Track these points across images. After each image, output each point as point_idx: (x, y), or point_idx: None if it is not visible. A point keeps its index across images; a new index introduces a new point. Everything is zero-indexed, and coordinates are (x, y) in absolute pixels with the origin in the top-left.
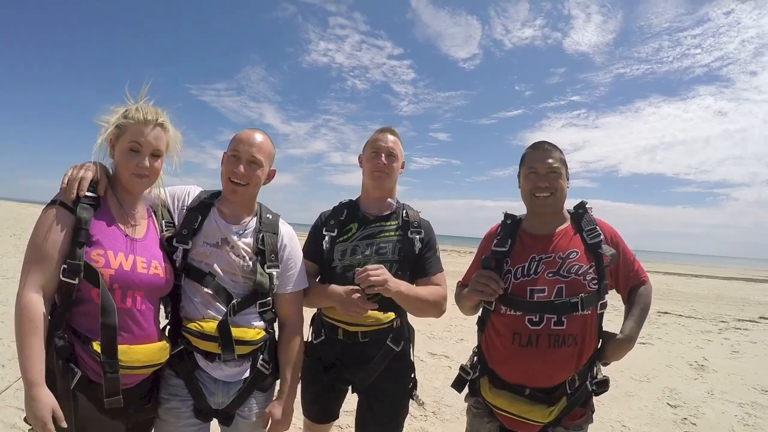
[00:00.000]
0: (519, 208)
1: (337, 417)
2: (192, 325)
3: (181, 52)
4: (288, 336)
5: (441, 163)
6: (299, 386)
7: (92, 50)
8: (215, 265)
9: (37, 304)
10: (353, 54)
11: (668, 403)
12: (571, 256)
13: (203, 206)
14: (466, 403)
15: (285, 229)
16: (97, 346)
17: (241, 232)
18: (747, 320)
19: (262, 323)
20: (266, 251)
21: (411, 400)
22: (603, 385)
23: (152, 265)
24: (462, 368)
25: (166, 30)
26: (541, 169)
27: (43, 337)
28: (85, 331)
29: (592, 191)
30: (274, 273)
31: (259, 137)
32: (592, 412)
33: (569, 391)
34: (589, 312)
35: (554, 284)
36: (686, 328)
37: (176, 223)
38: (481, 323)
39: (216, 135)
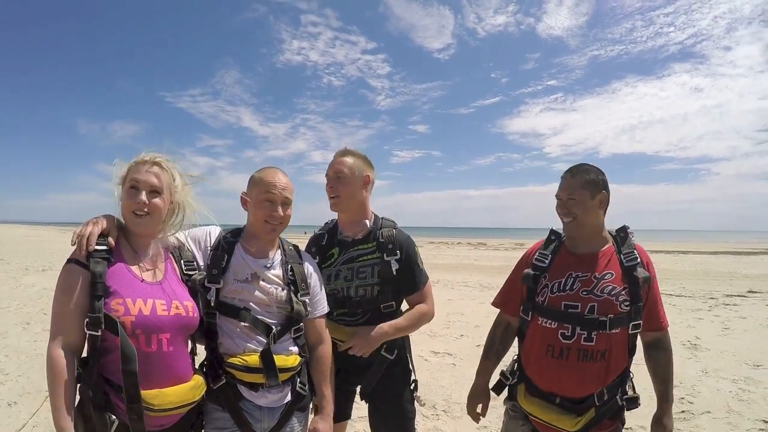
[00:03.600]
0: (503, 195)
1: (349, 417)
2: (235, 360)
3: (153, 59)
4: (320, 356)
5: (422, 155)
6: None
7: (62, 68)
8: (249, 299)
9: (63, 359)
10: (327, 51)
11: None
12: (606, 277)
13: (228, 245)
14: (504, 406)
15: (308, 258)
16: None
17: (269, 265)
18: (736, 295)
19: (296, 348)
20: (297, 281)
21: (416, 399)
22: (633, 402)
23: (173, 306)
24: (502, 373)
25: (136, 39)
26: (562, 195)
27: (71, 387)
28: (115, 378)
29: None
30: (307, 300)
31: (284, 178)
32: (622, 424)
33: (597, 404)
34: (619, 331)
35: (587, 302)
36: (677, 307)
37: (201, 264)
38: (521, 333)
39: (195, 141)
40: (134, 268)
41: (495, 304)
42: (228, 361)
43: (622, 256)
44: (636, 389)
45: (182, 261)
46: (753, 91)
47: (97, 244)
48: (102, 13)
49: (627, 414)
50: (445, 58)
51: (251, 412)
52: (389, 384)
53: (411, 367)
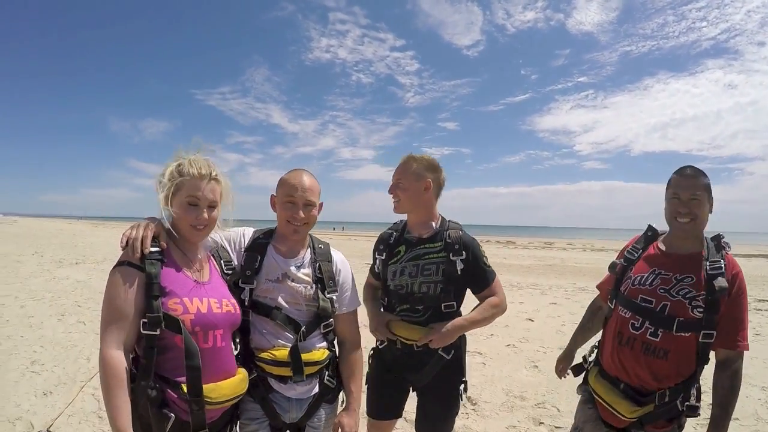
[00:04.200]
0: (533, 194)
1: (400, 416)
2: (265, 355)
3: (183, 58)
4: (349, 352)
5: (451, 152)
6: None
7: (94, 67)
8: (280, 299)
9: (120, 360)
10: (356, 48)
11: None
12: (685, 280)
13: (260, 246)
14: (577, 393)
15: (337, 256)
16: (185, 387)
17: (299, 264)
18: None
19: (325, 343)
20: (324, 278)
21: (461, 400)
22: (693, 410)
23: (223, 304)
24: (583, 357)
25: (166, 37)
26: (684, 195)
27: (127, 388)
28: (172, 375)
29: (605, 172)
30: (334, 297)
31: (307, 180)
32: (680, 428)
33: (657, 402)
34: (688, 336)
35: (661, 300)
36: None
37: (236, 265)
38: (606, 321)
39: (225, 138)
40: (185, 269)
41: (597, 286)
42: (259, 355)
43: (708, 263)
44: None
45: (222, 261)
46: None
47: (151, 246)
48: (134, 14)
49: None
50: (474, 55)
51: (280, 402)
52: (441, 382)
53: (464, 368)
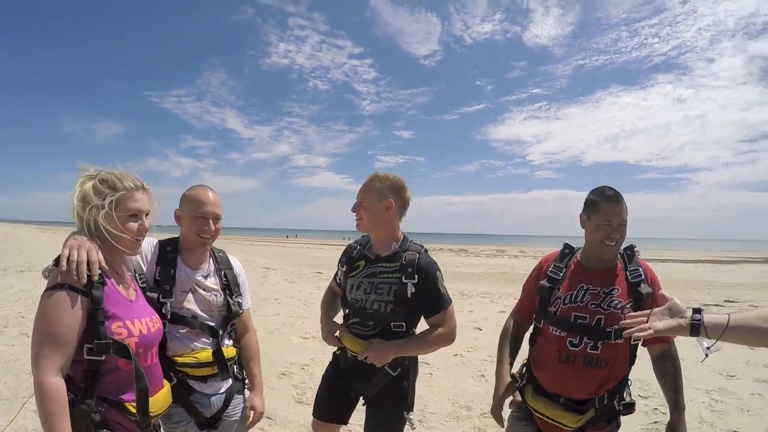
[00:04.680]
0: (486, 202)
1: (344, 423)
2: (186, 359)
3: (138, 58)
4: (248, 342)
5: (406, 160)
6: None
7: (47, 67)
8: (195, 308)
9: (61, 387)
10: (314, 55)
11: (639, 395)
12: (613, 292)
13: (171, 260)
14: (509, 409)
15: (235, 263)
16: (131, 407)
17: (206, 274)
18: (713, 304)
19: (231, 341)
20: (231, 285)
21: (408, 420)
22: (629, 408)
23: (154, 321)
24: (512, 376)
25: (121, 36)
26: (615, 222)
27: (68, 414)
28: (114, 396)
29: (557, 182)
30: (240, 300)
31: (213, 195)
32: (618, 427)
33: (597, 406)
34: (623, 341)
35: (595, 314)
36: None
37: (146, 277)
38: (532, 340)
39: (179, 143)
40: (120, 288)
41: (513, 311)
42: (179, 361)
43: (628, 273)
44: (632, 396)
45: (137, 274)
46: (735, 102)
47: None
48: (89, 13)
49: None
50: (431, 65)
51: (201, 401)
52: (387, 397)
53: (409, 388)
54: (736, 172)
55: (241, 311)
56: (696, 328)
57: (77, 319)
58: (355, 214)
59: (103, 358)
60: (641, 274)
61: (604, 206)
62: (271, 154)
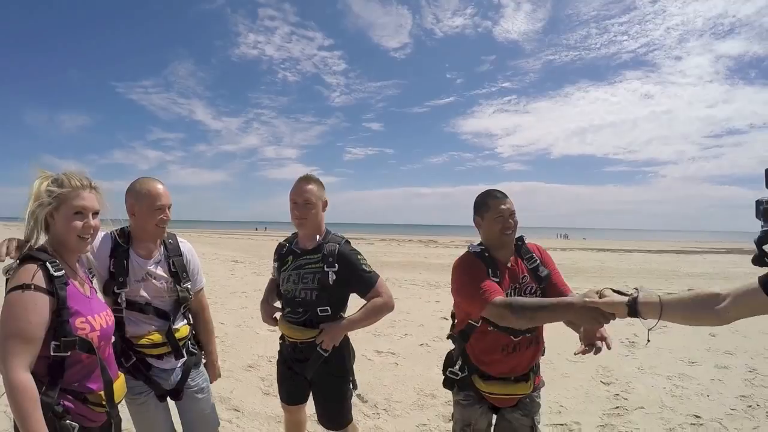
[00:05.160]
0: (455, 194)
1: (304, 402)
2: (143, 341)
3: (105, 49)
4: (202, 319)
5: (375, 152)
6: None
7: (7, 56)
8: (147, 296)
9: (32, 382)
10: (283, 46)
11: (602, 381)
12: (524, 281)
13: (124, 252)
14: (454, 398)
15: (185, 247)
16: (92, 398)
17: (156, 262)
18: (675, 293)
19: (185, 321)
20: (179, 272)
21: (355, 398)
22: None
23: (108, 314)
24: (450, 372)
25: (87, 25)
26: (506, 213)
27: (40, 408)
28: (78, 388)
29: (526, 174)
30: (189, 285)
31: (164, 187)
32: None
33: (534, 369)
34: None
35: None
36: None
37: (95, 269)
38: (465, 336)
39: (146, 134)
40: (77, 284)
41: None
42: (137, 342)
43: (524, 261)
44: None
45: (88, 269)
46: (701, 99)
47: (55, 270)
48: (52, 1)
49: (545, 393)
50: (401, 57)
51: (159, 375)
52: (326, 376)
53: (347, 365)
54: (701, 166)
55: (190, 296)
56: (632, 307)
57: (44, 318)
58: (298, 215)
59: (69, 354)
60: (536, 259)
61: (493, 203)
62: (240, 146)
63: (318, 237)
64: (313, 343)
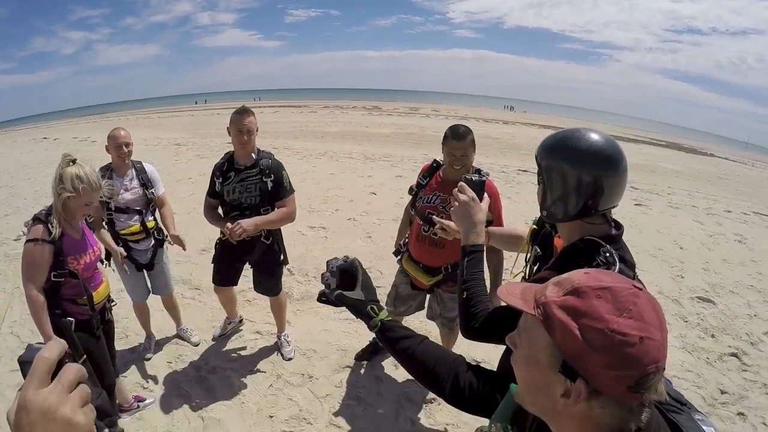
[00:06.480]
0: (403, 58)
1: (236, 284)
2: (125, 232)
3: None
4: (165, 213)
5: (318, 14)
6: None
7: None
8: (127, 202)
9: (41, 297)
10: None
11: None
12: None
13: (110, 176)
14: (398, 265)
15: (149, 168)
16: (81, 301)
17: (130, 179)
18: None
19: (152, 216)
20: (147, 183)
21: (284, 268)
22: None
23: (94, 251)
24: (398, 245)
25: None
26: (457, 153)
27: (47, 311)
28: (70, 295)
29: (477, 41)
30: (153, 191)
31: (125, 132)
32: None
33: (444, 273)
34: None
35: (441, 213)
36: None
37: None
38: (410, 223)
39: (66, 15)
40: (72, 233)
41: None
42: (122, 233)
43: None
44: None
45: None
46: None
47: (54, 228)
48: None
49: None
50: None
51: (137, 254)
52: (266, 257)
53: (279, 249)
54: (657, 58)
55: (154, 197)
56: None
57: (47, 259)
58: (246, 140)
59: (63, 279)
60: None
61: (450, 141)
62: (171, 15)
63: (254, 155)
64: (257, 237)
